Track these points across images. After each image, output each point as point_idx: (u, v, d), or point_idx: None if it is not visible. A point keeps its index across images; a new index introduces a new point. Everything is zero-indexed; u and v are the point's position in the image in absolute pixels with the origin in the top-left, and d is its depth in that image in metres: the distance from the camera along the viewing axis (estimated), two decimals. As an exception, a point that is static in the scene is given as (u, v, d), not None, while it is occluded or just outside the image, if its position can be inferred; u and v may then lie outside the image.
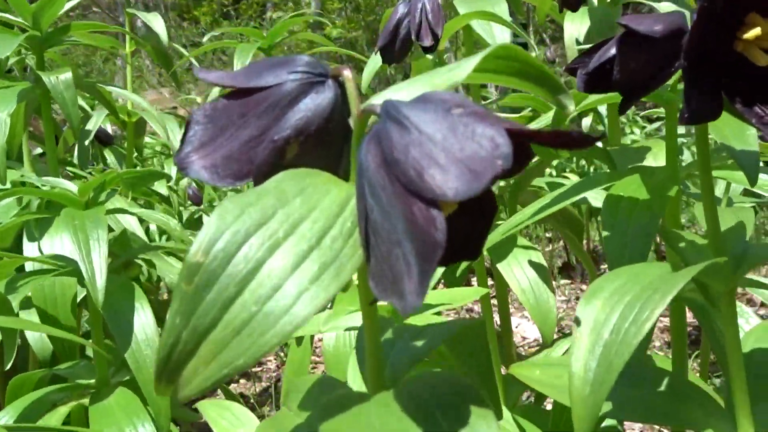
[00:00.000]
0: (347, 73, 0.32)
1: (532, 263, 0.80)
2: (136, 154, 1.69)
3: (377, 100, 0.33)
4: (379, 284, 0.26)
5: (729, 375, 0.48)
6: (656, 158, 0.75)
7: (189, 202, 2.12)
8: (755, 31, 0.39)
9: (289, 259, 0.27)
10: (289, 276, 0.26)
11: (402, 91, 0.32)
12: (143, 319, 0.67)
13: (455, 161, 0.24)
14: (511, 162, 0.23)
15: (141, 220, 0.92)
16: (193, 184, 2.15)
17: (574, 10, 0.67)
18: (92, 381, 0.77)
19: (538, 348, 2.04)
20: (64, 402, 0.76)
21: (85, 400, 0.77)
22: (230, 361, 0.25)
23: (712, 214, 0.46)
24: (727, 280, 0.46)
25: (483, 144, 0.24)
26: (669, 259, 0.66)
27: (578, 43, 0.75)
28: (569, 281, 2.58)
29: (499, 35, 0.87)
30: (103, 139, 1.85)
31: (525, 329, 2.06)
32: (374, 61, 1.04)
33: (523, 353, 1.96)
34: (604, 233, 0.52)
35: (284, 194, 0.28)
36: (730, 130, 0.49)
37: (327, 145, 0.32)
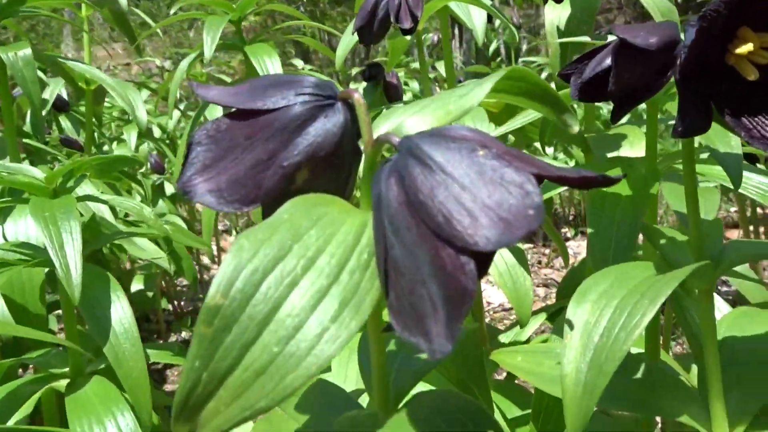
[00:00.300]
0: (357, 96, 0.31)
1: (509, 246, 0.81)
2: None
3: (388, 124, 0.32)
4: (399, 320, 0.27)
5: (704, 366, 0.50)
6: (632, 146, 0.77)
7: (150, 170, 2.07)
8: (748, 47, 0.40)
9: (308, 297, 0.26)
10: (309, 315, 0.26)
11: (414, 117, 0.31)
12: (120, 311, 0.65)
13: (485, 209, 0.24)
14: (543, 212, 0.23)
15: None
16: (155, 152, 2.09)
17: (559, 1, 0.66)
18: (66, 370, 0.76)
19: (502, 312, 2.09)
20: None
21: (57, 384, 0.76)
22: (252, 404, 0.25)
23: (695, 219, 0.48)
24: (707, 280, 0.47)
25: (512, 191, 0.24)
26: (644, 250, 0.69)
27: (559, 31, 0.75)
28: (531, 245, 2.64)
29: (476, 16, 0.87)
30: (58, 104, 1.78)
31: (490, 294, 2.11)
32: (347, 39, 1.01)
33: (489, 318, 2.00)
34: (589, 230, 0.54)
35: (298, 227, 0.28)
36: (715, 133, 0.50)
37: (336, 168, 0.31)
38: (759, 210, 1.80)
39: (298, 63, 3.35)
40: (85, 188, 0.78)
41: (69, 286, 0.59)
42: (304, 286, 0.27)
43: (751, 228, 1.73)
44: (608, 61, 0.42)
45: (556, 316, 0.97)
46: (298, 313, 0.26)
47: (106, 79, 0.98)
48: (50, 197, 0.68)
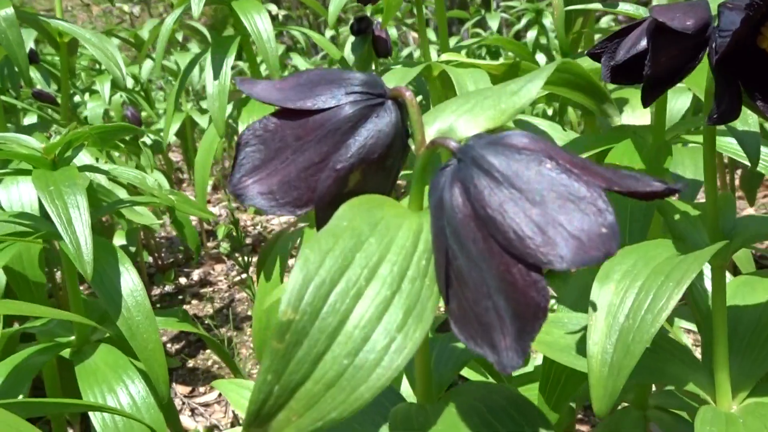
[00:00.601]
0: (409, 95, 0.30)
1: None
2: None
3: (438, 124, 0.32)
4: (463, 329, 0.27)
5: (712, 336, 0.52)
6: (634, 110, 0.77)
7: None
8: (782, 31, 0.40)
9: (373, 308, 0.26)
10: (376, 326, 0.26)
11: (465, 116, 0.31)
12: (130, 283, 0.65)
13: (558, 226, 0.24)
14: (618, 232, 0.23)
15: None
16: (130, 106, 2.03)
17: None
18: (72, 338, 0.75)
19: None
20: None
21: (63, 353, 0.75)
22: (323, 415, 0.26)
23: (712, 195, 0.49)
24: (722, 257, 0.49)
25: (584, 208, 0.24)
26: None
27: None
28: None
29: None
30: (28, 56, 1.70)
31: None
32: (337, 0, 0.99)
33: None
34: (605, 206, 0.54)
35: (359, 234, 0.28)
36: (733, 112, 0.50)
37: (387, 169, 0.31)
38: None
39: (272, 7, 3.25)
40: (83, 157, 0.76)
41: (81, 263, 0.58)
42: (369, 296, 0.27)
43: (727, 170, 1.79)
44: (643, 43, 0.42)
45: (550, 277, 0.98)
46: (365, 324, 0.26)
47: (89, 38, 0.94)
48: (50, 169, 0.66)
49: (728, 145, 0.58)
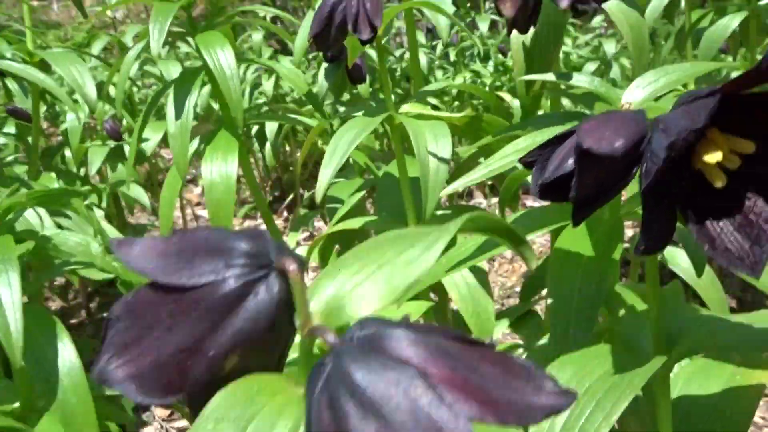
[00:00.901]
0: (293, 269, 0.28)
1: (471, 267, 0.80)
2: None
3: (331, 288, 0.30)
4: None
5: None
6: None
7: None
8: (717, 156, 0.37)
9: None
10: None
11: (357, 289, 0.29)
12: (68, 361, 0.62)
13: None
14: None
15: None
16: (110, 118, 2.00)
17: (524, 32, 0.62)
18: (16, 405, 0.73)
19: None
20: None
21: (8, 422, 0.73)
22: None
23: (654, 296, 0.47)
24: (663, 369, 0.47)
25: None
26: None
27: (524, 47, 0.71)
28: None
29: (443, 21, 0.82)
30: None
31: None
32: (305, 31, 0.96)
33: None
34: (550, 300, 0.52)
35: (227, 438, 0.26)
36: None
37: (270, 347, 0.29)
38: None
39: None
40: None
41: (9, 348, 0.56)
42: None
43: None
44: (570, 162, 0.40)
45: (521, 321, 0.96)
46: None
47: (45, 80, 0.92)
48: (-14, 237, 0.64)
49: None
